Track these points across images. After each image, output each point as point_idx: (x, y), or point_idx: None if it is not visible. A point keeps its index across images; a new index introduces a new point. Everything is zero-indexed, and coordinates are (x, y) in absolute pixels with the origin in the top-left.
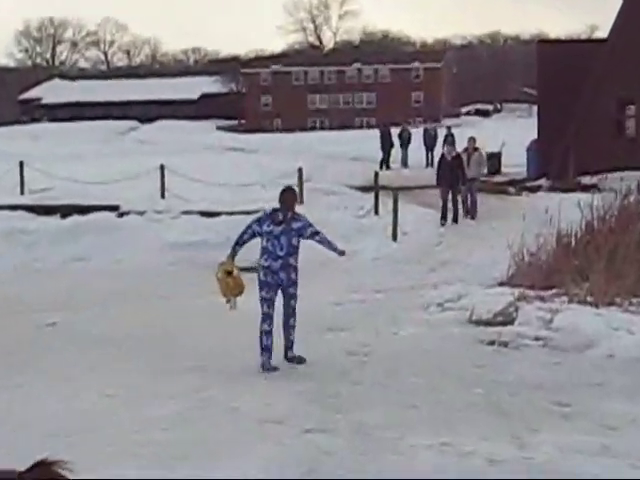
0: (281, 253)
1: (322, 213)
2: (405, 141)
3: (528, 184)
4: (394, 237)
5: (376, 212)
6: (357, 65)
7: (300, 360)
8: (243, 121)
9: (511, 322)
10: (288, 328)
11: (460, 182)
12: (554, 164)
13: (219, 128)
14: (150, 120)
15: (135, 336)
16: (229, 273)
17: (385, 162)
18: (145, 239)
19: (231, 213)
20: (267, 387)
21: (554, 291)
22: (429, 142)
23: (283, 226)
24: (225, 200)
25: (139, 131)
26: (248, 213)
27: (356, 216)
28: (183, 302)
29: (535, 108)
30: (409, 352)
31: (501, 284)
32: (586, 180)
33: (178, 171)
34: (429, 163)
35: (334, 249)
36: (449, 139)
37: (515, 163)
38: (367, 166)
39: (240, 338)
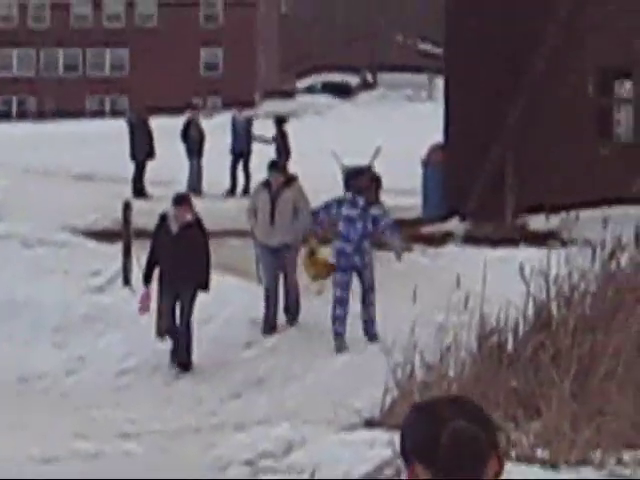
0: (354, 236)
1: (16, 281)
2: (194, 144)
3: (425, 230)
4: (160, 332)
5: (126, 282)
6: None
7: (376, 337)
8: None
9: None
10: (368, 306)
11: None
12: (475, 192)
13: None
14: None
15: None
16: (312, 254)
17: (139, 182)
18: None
19: None
20: None
21: None
22: (238, 144)
23: (361, 210)
24: None
25: None
26: None
27: (86, 289)
28: None
29: (440, 83)
30: None
31: (369, 424)
32: (537, 223)
33: None
34: (236, 186)
35: (395, 246)
36: (276, 143)
37: (400, 189)
38: (109, 191)
39: None
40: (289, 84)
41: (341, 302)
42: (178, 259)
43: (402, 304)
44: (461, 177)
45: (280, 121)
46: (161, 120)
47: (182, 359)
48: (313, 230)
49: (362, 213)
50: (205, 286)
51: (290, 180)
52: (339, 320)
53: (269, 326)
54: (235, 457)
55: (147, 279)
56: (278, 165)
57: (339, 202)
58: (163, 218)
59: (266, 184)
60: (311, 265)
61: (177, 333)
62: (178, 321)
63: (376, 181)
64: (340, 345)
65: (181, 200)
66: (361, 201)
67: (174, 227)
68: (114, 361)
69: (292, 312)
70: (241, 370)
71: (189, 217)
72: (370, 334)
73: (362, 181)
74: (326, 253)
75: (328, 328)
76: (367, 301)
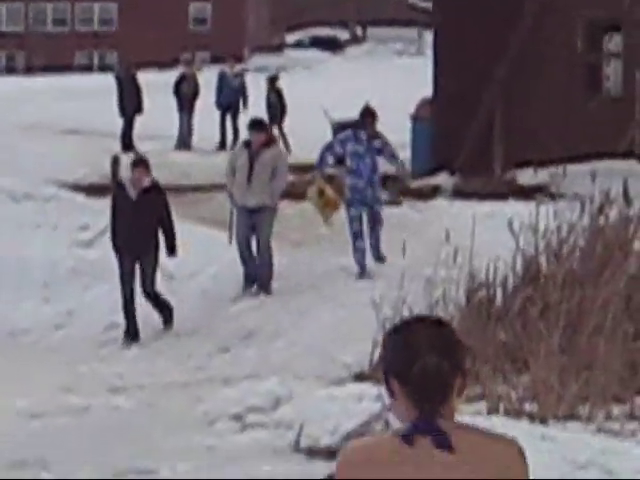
0: (366, 170)
1: (3, 236)
2: (186, 98)
3: (414, 184)
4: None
5: None
6: None
7: (383, 259)
8: None
9: None
10: (374, 236)
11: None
12: (465, 147)
13: None
14: None
15: None
16: (322, 193)
17: (127, 137)
18: None
19: None
20: None
21: None
22: (226, 99)
23: (366, 145)
24: None
25: None
26: None
27: (74, 243)
28: None
29: (429, 38)
30: None
31: (359, 378)
32: (526, 177)
33: None
34: (225, 140)
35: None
36: (272, 100)
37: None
38: (98, 145)
39: None
40: (278, 39)
41: (360, 234)
42: (139, 225)
43: (391, 258)
44: (450, 132)
45: (273, 80)
46: (150, 75)
47: (165, 319)
48: (320, 170)
49: (368, 147)
50: (172, 251)
51: (270, 141)
52: (360, 252)
53: (250, 283)
54: (223, 412)
55: (118, 250)
56: (259, 124)
57: (342, 140)
58: (119, 185)
59: (247, 144)
60: (324, 205)
61: (134, 303)
62: (139, 289)
63: (371, 115)
64: (363, 274)
65: (138, 163)
66: (363, 135)
67: (132, 193)
68: (102, 315)
69: (263, 279)
70: (229, 325)
71: (147, 182)
72: (377, 256)
73: (368, 120)
74: (332, 192)
75: (316, 282)
76: (375, 227)
